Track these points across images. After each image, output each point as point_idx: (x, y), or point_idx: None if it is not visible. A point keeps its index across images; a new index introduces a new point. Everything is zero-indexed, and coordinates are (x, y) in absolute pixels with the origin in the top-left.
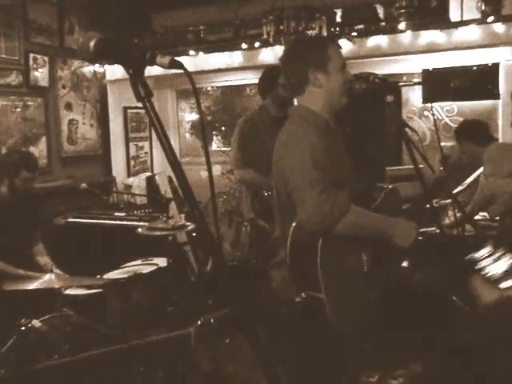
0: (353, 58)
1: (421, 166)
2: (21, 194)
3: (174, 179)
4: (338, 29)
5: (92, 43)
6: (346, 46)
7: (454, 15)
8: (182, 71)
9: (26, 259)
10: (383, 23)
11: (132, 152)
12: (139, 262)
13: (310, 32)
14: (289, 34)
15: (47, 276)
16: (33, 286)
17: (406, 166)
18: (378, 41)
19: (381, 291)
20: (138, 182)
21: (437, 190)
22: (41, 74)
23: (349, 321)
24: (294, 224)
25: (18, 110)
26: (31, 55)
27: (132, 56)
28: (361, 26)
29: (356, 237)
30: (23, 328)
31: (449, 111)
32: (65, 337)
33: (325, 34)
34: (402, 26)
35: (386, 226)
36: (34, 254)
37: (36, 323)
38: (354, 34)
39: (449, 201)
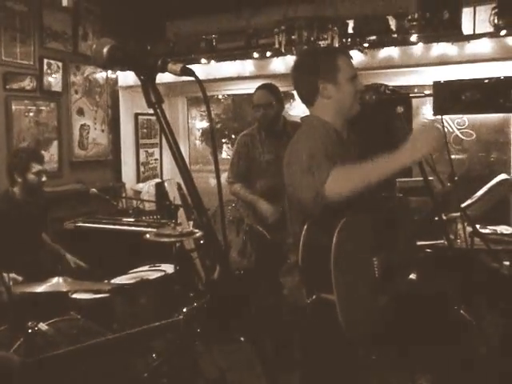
0: (364, 69)
1: (430, 178)
2: (35, 189)
3: (183, 186)
4: (349, 40)
5: (105, 49)
6: (357, 57)
7: (467, 28)
8: (193, 79)
9: (34, 262)
10: (395, 35)
11: (142, 158)
12: (146, 267)
13: (321, 42)
14: (300, 44)
15: (55, 279)
16: (40, 289)
17: (416, 178)
18: (390, 52)
19: (390, 300)
20: (148, 188)
21: (444, 204)
22: (54, 80)
23: (358, 325)
24: (305, 225)
25: (31, 114)
26: (45, 61)
27: (144, 63)
28: (373, 38)
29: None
30: (30, 330)
31: (459, 124)
32: (71, 340)
33: (336, 44)
34: (413, 38)
35: (392, 158)
36: (45, 240)
37: (43, 326)
38: (366, 45)
39: (458, 214)
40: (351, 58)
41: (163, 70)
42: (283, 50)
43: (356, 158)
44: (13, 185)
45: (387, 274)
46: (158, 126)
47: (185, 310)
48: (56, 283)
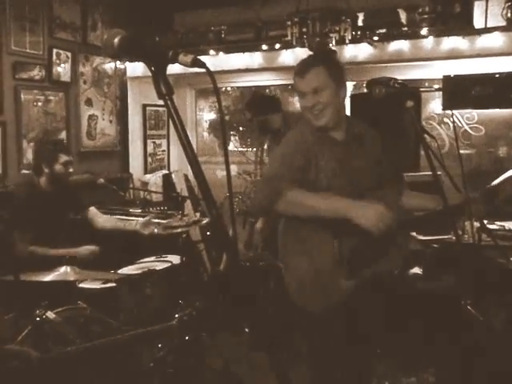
0: (373, 63)
1: (439, 173)
2: (62, 180)
3: (191, 178)
4: (359, 32)
5: (116, 40)
6: (367, 50)
7: (478, 22)
8: (201, 70)
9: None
10: (405, 28)
11: (149, 149)
12: (153, 258)
13: (333, 35)
14: (313, 36)
15: (63, 268)
16: (48, 277)
17: (424, 173)
18: (400, 46)
19: (361, 283)
20: (155, 180)
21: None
22: (63, 70)
23: (311, 298)
24: None
25: (40, 103)
26: (54, 50)
27: (155, 53)
28: (383, 31)
29: (321, 221)
30: (38, 319)
31: (469, 119)
32: (78, 329)
33: (349, 37)
34: (424, 31)
35: (343, 207)
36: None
37: (50, 315)
38: (376, 38)
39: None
40: (303, 77)
41: (174, 61)
42: (294, 42)
43: (362, 155)
44: (39, 175)
45: (355, 260)
46: (166, 118)
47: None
48: (63, 272)
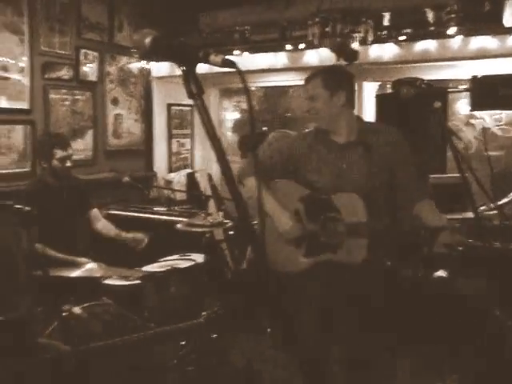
0: (399, 63)
1: (466, 174)
2: (61, 175)
3: (214, 177)
4: (385, 32)
5: (148, 40)
6: (393, 50)
7: (509, 21)
8: (225, 70)
9: (72, 243)
10: (432, 27)
11: (174, 148)
12: (176, 256)
13: (355, 35)
14: (334, 37)
15: (89, 265)
16: (75, 273)
17: (450, 175)
18: (426, 45)
19: (313, 259)
20: (179, 178)
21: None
22: (90, 69)
23: (273, 262)
24: None
25: (68, 103)
26: (82, 51)
27: (185, 53)
28: (409, 30)
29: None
30: (64, 314)
31: (497, 120)
32: (103, 325)
33: (371, 37)
34: (451, 30)
35: (276, 216)
36: (91, 220)
37: (77, 310)
38: (402, 37)
39: (494, 212)
40: (304, 86)
41: (205, 61)
42: (316, 43)
43: (362, 160)
44: (43, 171)
45: (312, 244)
46: (190, 117)
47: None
48: (90, 268)
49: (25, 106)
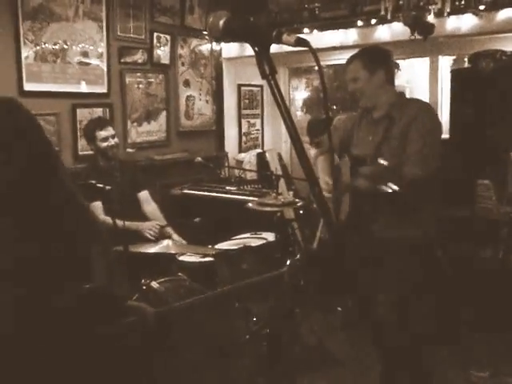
0: (479, 34)
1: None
2: (108, 154)
3: (284, 156)
4: (463, 2)
5: (221, 22)
6: (471, 20)
7: None
8: (294, 49)
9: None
10: None
11: (244, 128)
12: (248, 235)
13: (431, 7)
14: (408, 10)
15: (165, 242)
16: (152, 249)
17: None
18: (509, 14)
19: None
20: (249, 158)
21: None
22: (163, 52)
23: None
24: None
25: (142, 86)
26: (155, 34)
27: (259, 34)
28: None
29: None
30: (144, 288)
31: None
32: (179, 299)
33: (448, 8)
34: None
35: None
36: (140, 202)
37: (154, 284)
38: (482, 7)
39: None
40: (345, 69)
41: (278, 41)
42: (389, 17)
43: (384, 133)
44: (94, 155)
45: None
46: (260, 97)
47: (288, 262)
48: (166, 245)
49: (103, 89)
